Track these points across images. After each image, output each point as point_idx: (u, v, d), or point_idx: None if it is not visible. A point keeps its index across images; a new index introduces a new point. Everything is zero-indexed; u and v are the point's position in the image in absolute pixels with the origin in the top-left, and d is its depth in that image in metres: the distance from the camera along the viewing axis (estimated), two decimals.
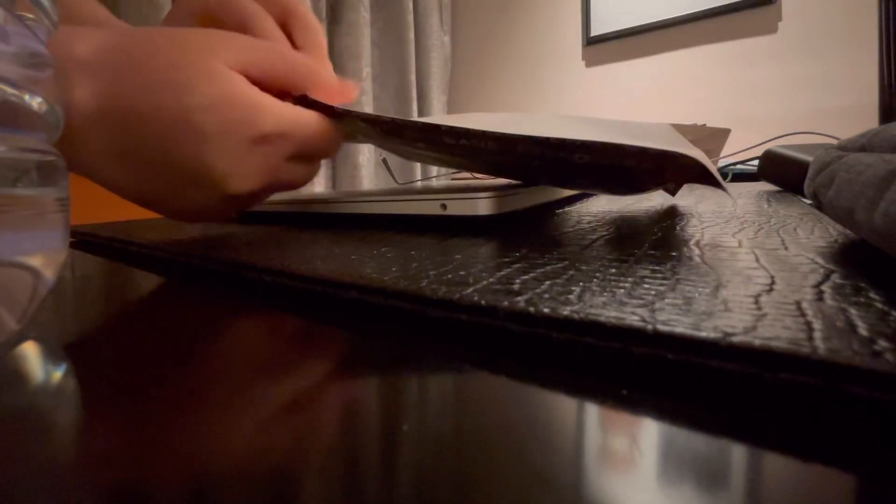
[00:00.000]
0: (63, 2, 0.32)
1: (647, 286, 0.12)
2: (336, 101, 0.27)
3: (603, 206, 0.34)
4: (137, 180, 0.23)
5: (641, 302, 0.10)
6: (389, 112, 1.67)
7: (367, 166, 1.54)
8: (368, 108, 1.53)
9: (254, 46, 0.24)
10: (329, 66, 0.30)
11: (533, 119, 0.26)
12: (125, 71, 0.22)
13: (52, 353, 0.12)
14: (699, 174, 0.19)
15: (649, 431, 0.07)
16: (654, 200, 0.36)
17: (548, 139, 0.19)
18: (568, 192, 0.38)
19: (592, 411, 0.08)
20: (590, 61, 1.72)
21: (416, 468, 0.07)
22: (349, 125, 0.27)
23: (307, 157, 0.26)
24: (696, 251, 0.16)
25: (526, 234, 0.21)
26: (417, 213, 0.26)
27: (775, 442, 0.07)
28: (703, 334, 0.08)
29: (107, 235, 0.31)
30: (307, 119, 0.25)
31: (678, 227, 0.21)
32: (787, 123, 1.34)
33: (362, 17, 1.53)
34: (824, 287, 0.11)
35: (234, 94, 0.22)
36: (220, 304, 0.16)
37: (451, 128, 0.21)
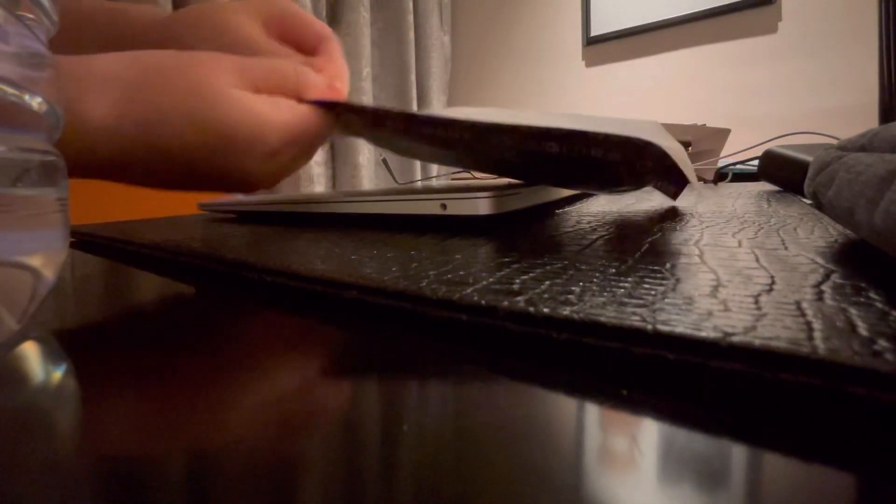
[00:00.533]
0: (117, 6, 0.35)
1: (647, 286, 0.12)
2: (326, 98, 0.30)
3: (603, 206, 0.34)
4: (158, 181, 0.28)
5: (641, 302, 0.10)
6: None
7: (367, 166, 1.54)
8: None
9: (249, 65, 0.28)
10: (342, 67, 0.35)
11: (518, 114, 0.26)
12: (145, 90, 0.25)
13: (52, 353, 0.12)
14: (673, 168, 0.19)
15: (649, 431, 0.07)
16: (655, 201, 0.36)
17: (514, 127, 0.19)
18: (567, 192, 0.38)
19: (592, 411, 0.08)
20: (590, 61, 1.72)
21: (415, 468, 0.07)
22: (341, 118, 0.30)
23: (307, 148, 0.31)
24: (696, 251, 0.16)
25: (526, 233, 0.21)
26: (417, 213, 0.26)
27: (775, 442, 0.07)
28: (704, 334, 0.08)
29: (107, 235, 0.31)
30: (307, 121, 0.29)
31: (678, 227, 0.21)
32: (787, 123, 1.34)
33: (362, 17, 1.53)
34: (824, 287, 0.11)
35: (245, 114, 0.26)
36: (220, 304, 0.16)
37: (426, 116, 0.22)
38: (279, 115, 0.27)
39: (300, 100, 0.29)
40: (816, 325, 0.09)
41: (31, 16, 0.12)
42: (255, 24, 0.33)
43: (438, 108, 1.83)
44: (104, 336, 0.14)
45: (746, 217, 0.24)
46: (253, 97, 0.27)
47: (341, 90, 0.32)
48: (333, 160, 1.54)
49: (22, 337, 0.13)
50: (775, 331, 0.08)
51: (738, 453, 0.07)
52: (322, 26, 0.35)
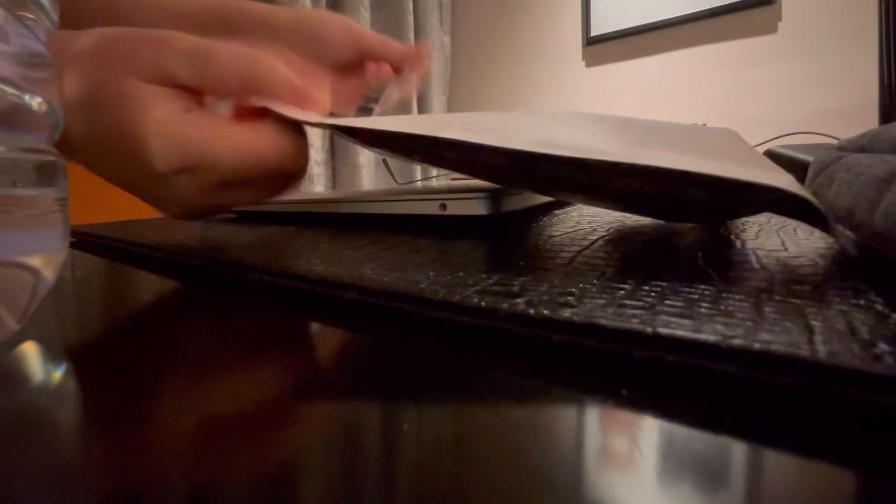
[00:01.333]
0: None
1: (647, 288, 0.12)
2: (300, 107, 0.22)
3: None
4: (108, 174, 0.23)
5: (641, 304, 0.10)
6: (389, 113, 1.66)
7: (367, 166, 1.54)
8: None
9: (172, 53, 0.21)
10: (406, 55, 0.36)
11: (531, 119, 0.24)
12: (81, 71, 0.21)
13: (52, 353, 0.12)
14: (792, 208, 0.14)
15: (649, 432, 0.07)
16: None
17: (475, 145, 0.15)
18: None
19: (592, 411, 0.08)
20: (590, 61, 1.72)
21: (415, 468, 0.07)
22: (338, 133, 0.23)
23: (254, 182, 0.22)
24: (697, 252, 0.16)
25: (526, 234, 0.21)
26: (417, 213, 0.26)
27: (775, 445, 0.07)
28: (703, 337, 0.08)
29: (107, 235, 0.31)
30: (237, 148, 0.21)
31: (678, 228, 0.21)
32: (787, 123, 1.34)
33: (362, 17, 1.53)
34: (824, 289, 0.11)
35: (123, 117, 0.20)
36: (220, 304, 0.16)
37: (449, 140, 0.18)
38: (172, 126, 0.20)
39: (246, 107, 0.22)
40: (816, 327, 0.09)
41: (31, 16, 0.12)
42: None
43: (438, 108, 1.83)
44: (104, 336, 0.14)
45: (746, 218, 0.24)
46: (148, 97, 0.20)
47: (314, 100, 0.23)
48: (333, 160, 1.54)
49: (22, 337, 0.13)
50: (775, 333, 0.08)
51: (737, 455, 0.07)
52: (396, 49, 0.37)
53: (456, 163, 0.19)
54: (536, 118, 0.22)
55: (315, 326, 0.13)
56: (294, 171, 0.23)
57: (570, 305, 0.10)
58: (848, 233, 0.13)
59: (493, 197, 0.23)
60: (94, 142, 0.21)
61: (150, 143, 0.20)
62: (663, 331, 0.09)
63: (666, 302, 0.10)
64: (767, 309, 0.10)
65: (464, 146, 0.17)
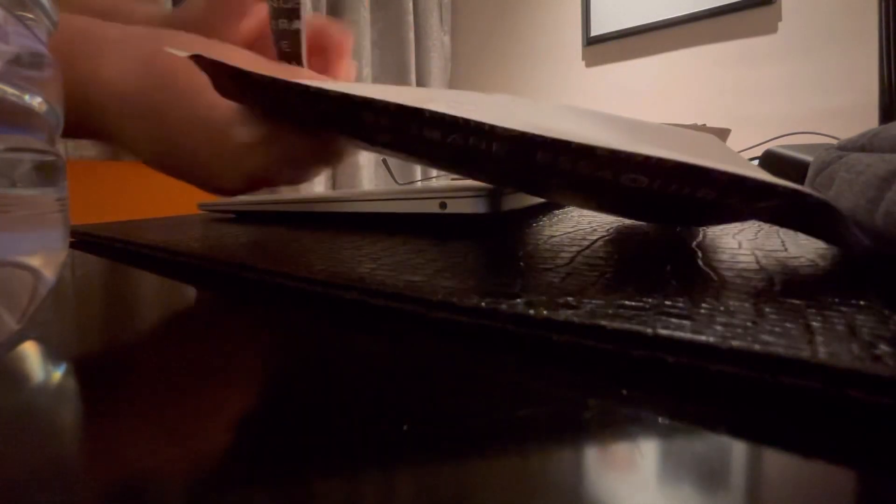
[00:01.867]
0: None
1: (647, 288, 0.12)
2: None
3: None
4: (155, 159, 0.28)
5: (641, 304, 0.10)
6: None
7: (368, 166, 1.54)
8: None
9: (237, 57, 0.27)
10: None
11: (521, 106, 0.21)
12: (154, 76, 0.26)
13: (52, 353, 0.12)
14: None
15: (649, 432, 0.07)
16: None
17: (473, 123, 0.13)
18: None
19: (592, 412, 0.08)
20: (590, 61, 1.72)
21: (415, 468, 0.07)
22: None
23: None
24: (697, 253, 0.16)
25: (526, 233, 0.21)
26: (417, 212, 0.26)
27: (775, 445, 0.07)
28: (703, 338, 0.08)
29: (107, 235, 0.30)
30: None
31: (678, 228, 0.21)
32: (787, 123, 1.34)
33: (362, 17, 1.53)
34: (825, 290, 0.11)
35: (218, 117, 0.26)
36: (220, 304, 0.16)
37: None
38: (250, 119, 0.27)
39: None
40: (817, 328, 0.09)
41: (31, 16, 0.12)
42: None
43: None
44: (104, 336, 0.14)
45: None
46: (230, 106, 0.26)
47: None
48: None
49: (22, 337, 0.13)
50: (775, 334, 0.08)
51: (737, 455, 0.07)
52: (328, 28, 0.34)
53: (436, 148, 0.15)
54: (517, 103, 0.21)
55: (314, 327, 0.13)
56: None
57: (570, 306, 0.10)
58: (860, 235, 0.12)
59: (493, 195, 0.23)
60: (168, 129, 0.26)
61: (237, 117, 0.25)
62: (663, 331, 0.09)
63: (666, 302, 0.10)
64: (767, 309, 0.10)
65: (459, 125, 0.13)
